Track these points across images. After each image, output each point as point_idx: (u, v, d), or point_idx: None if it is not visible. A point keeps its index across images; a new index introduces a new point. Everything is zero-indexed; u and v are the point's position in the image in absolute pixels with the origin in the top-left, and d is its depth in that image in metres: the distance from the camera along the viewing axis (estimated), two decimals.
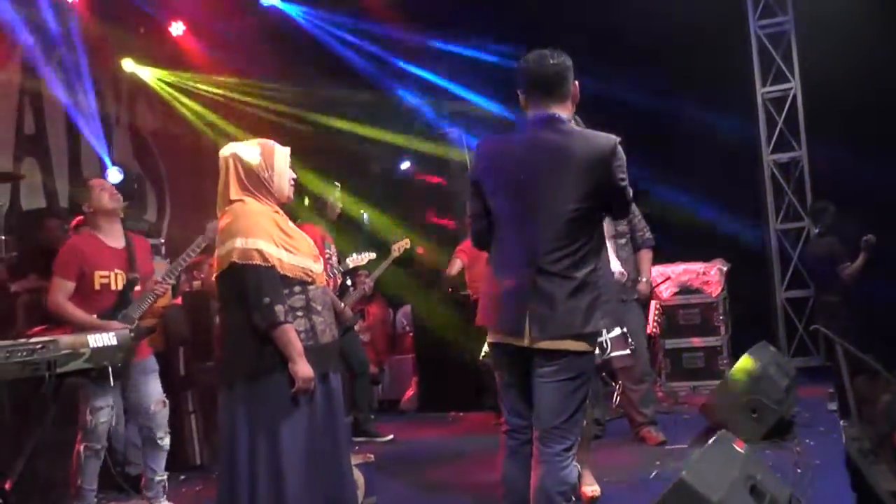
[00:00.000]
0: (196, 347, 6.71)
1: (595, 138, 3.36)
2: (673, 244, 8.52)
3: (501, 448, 3.66)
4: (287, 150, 3.89)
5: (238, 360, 3.69)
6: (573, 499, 3.40)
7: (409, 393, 9.11)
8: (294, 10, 10.32)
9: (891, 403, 4.82)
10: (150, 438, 5.01)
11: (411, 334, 9.54)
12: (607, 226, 5.99)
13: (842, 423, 5.48)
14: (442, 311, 8.63)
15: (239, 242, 3.62)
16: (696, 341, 8.57)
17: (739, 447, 3.86)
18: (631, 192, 3.40)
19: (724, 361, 8.43)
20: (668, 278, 8.44)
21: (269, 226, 3.70)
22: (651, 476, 5.35)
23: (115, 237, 5.04)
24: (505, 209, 3.47)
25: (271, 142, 3.88)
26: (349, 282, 7.09)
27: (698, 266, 8.70)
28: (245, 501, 3.57)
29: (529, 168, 3.37)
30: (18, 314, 6.50)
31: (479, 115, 9.43)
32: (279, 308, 3.58)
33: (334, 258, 6.56)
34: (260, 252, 3.61)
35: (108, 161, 9.10)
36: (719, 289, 8.62)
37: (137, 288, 4.98)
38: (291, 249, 3.72)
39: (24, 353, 3.62)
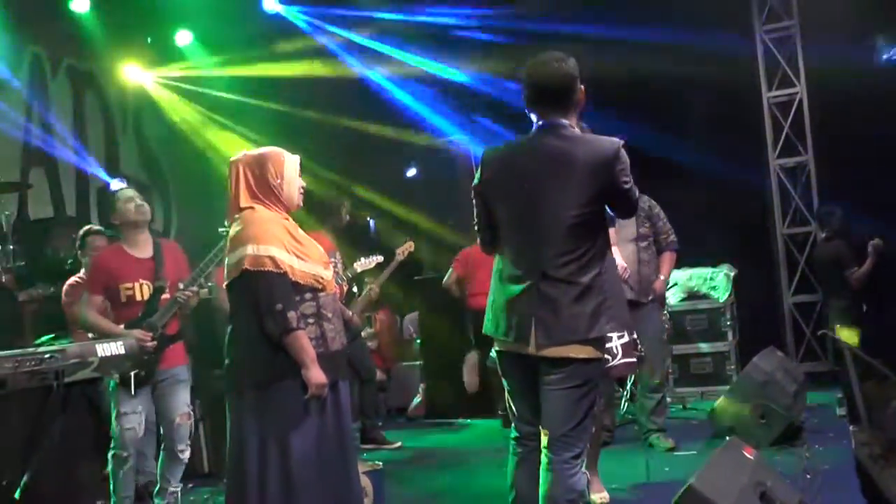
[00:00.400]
0: (204, 355, 6.71)
1: (598, 143, 3.36)
2: (679, 249, 8.50)
3: (510, 455, 3.67)
4: (296, 158, 3.90)
5: (249, 367, 3.69)
6: None
7: (417, 400, 9.11)
8: (297, 17, 10.34)
9: None
10: (171, 450, 5.01)
11: (418, 341, 9.54)
12: (629, 228, 6.03)
13: (851, 428, 5.46)
14: (448, 318, 8.63)
15: (251, 249, 3.63)
16: (704, 347, 8.55)
17: (749, 453, 3.85)
18: (637, 191, 3.41)
19: (732, 367, 8.41)
20: (674, 284, 8.43)
21: (281, 233, 3.71)
22: (659, 483, 5.34)
23: (141, 247, 5.06)
24: (509, 217, 3.48)
25: (280, 149, 3.90)
26: (355, 288, 7.09)
27: (705, 271, 8.68)
28: None
29: (532, 175, 3.38)
30: (26, 323, 6.53)
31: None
32: (291, 314, 3.59)
33: (339, 266, 6.56)
34: (272, 259, 3.62)
35: (104, 175, 9.13)
36: (727, 294, 8.60)
37: (165, 295, 4.99)
38: (302, 256, 3.73)
39: (33, 363, 3.65)
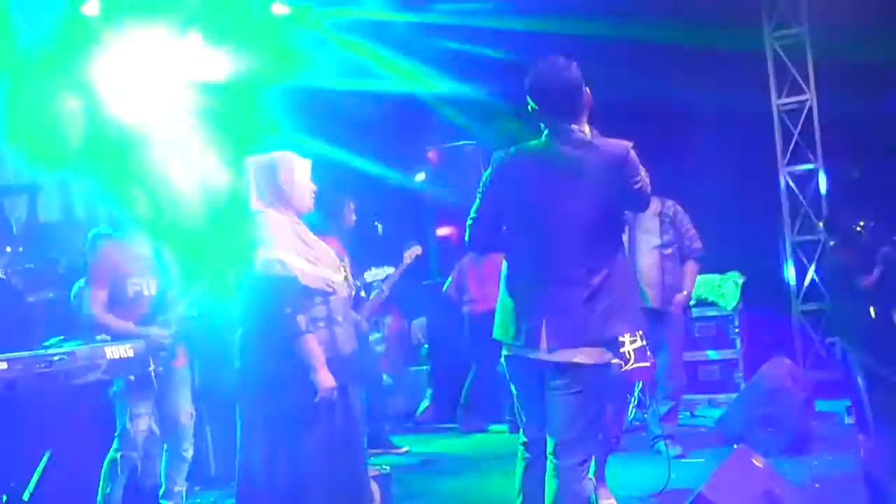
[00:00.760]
0: (211, 359, 6.72)
1: (607, 147, 3.38)
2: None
3: (517, 461, 3.67)
4: (307, 161, 3.91)
5: (258, 370, 3.71)
6: None
7: (424, 405, 9.09)
8: (307, 17, 10.34)
9: None
10: (176, 450, 5.01)
11: (427, 346, 9.52)
12: (653, 236, 6.01)
13: (860, 437, 5.47)
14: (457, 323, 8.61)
15: (261, 253, 3.64)
16: (712, 354, 8.53)
17: (758, 462, 3.84)
18: (648, 188, 3.42)
19: (740, 374, 8.39)
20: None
21: (291, 237, 3.72)
22: (667, 490, 5.33)
23: (142, 242, 5.05)
24: (519, 221, 3.49)
25: (290, 153, 3.91)
26: (363, 293, 7.08)
27: (714, 278, 8.66)
28: None
29: (544, 181, 3.39)
30: (34, 325, 6.54)
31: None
32: (300, 318, 3.60)
33: (348, 270, 6.55)
34: (281, 262, 3.62)
35: None
36: (735, 301, 8.57)
37: (169, 293, 4.98)
38: (312, 260, 3.73)
39: (42, 365, 3.65)
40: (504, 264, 3.58)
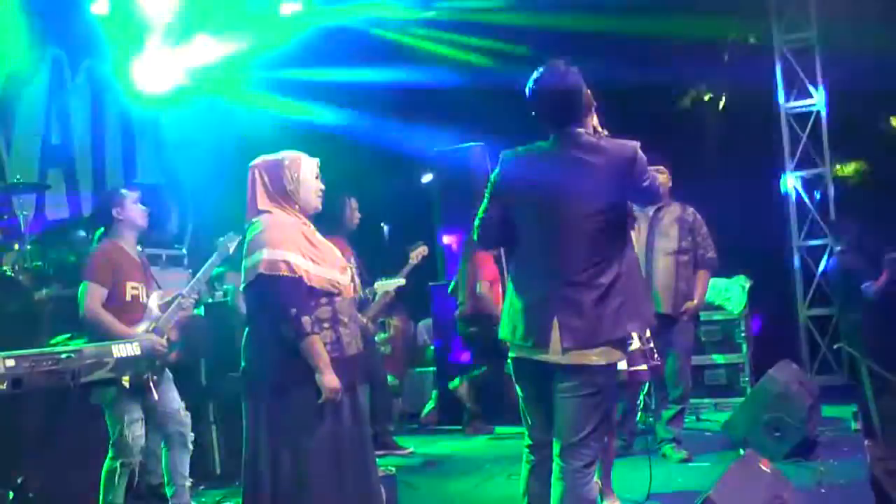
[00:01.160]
0: (218, 358, 6.73)
1: (614, 148, 3.40)
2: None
3: (523, 463, 3.67)
4: (315, 161, 3.91)
5: (264, 370, 3.72)
6: None
7: (429, 406, 9.09)
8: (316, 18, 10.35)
9: None
10: (182, 442, 5.03)
11: (432, 347, 9.52)
12: (670, 241, 6.01)
13: (866, 442, 5.45)
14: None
15: (266, 254, 3.64)
16: (718, 358, 8.51)
17: (765, 467, 3.83)
18: (656, 183, 3.46)
19: (746, 379, 8.36)
20: None
21: (297, 237, 3.72)
22: (673, 493, 5.32)
23: (134, 250, 5.07)
24: (527, 223, 3.50)
25: (298, 153, 3.91)
26: (369, 294, 7.07)
27: (720, 282, 8.64)
28: None
29: (552, 183, 3.41)
30: (41, 322, 6.55)
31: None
32: (306, 319, 3.59)
33: (355, 271, 6.55)
34: (287, 263, 3.63)
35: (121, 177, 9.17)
36: (741, 306, 8.55)
37: (158, 301, 4.99)
38: (318, 261, 3.73)
39: (50, 363, 3.65)
40: (512, 264, 3.61)
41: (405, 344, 10.09)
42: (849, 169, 5.85)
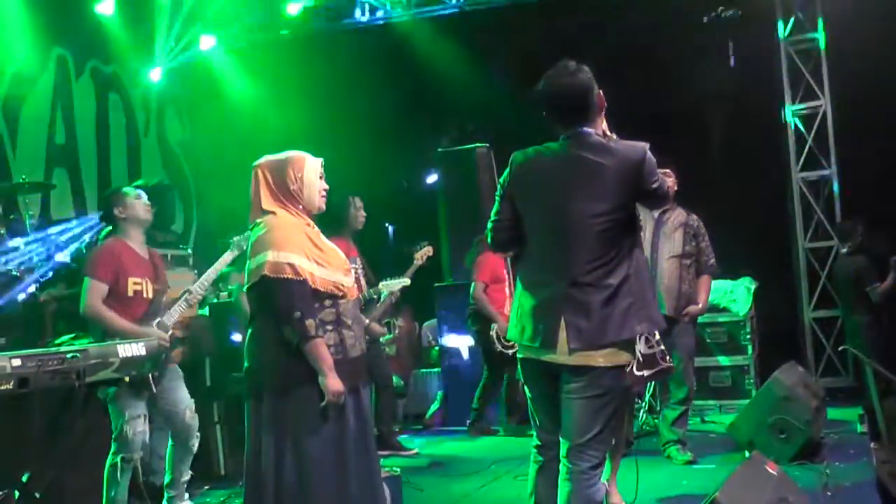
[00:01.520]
0: (222, 358, 6.73)
1: (624, 150, 3.40)
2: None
3: (531, 463, 3.67)
4: (319, 161, 3.89)
5: (267, 372, 3.70)
6: None
7: (434, 407, 9.08)
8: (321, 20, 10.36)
9: None
10: (184, 444, 5.03)
11: (437, 348, 9.51)
12: (675, 244, 6.01)
13: (872, 445, 5.43)
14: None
15: (271, 256, 3.62)
16: (723, 360, 8.50)
17: (772, 469, 3.82)
18: (665, 185, 3.46)
19: (751, 381, 8.35)
20: None
21: (302, 239, 3.71)
22: (678, 495, 5.31)
23: (141, 247, 5.06)
24: (536, 223, 3.50)
25: (302, 153, 3.88)
26: (374, 295, 7.07)
27: (726, 284, 8.63)
28: None
29: (561, 183, 3.41)
30: (47, 322, 6.57)
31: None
32: (310, 322, 3.58)
33: (361, 271, 6.55)
34: (292, 266, 3.61)
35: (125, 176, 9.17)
36: (747, 307, 8.54)
37: (165, 298, 5.00)
38: (323, 263, 3.72)
39: (55, 363, 3.65)
40: (520, 265, 3.60)
41: (410, 345, 10.09)
42: None
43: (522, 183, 3.52)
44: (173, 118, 10.46)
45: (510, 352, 7.13)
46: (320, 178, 3.88)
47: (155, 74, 9.80)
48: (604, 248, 3.35)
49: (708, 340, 8.50)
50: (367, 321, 6.64)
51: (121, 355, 3.97)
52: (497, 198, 3.61)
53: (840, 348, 8.57)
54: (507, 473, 6.21)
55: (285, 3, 9.86)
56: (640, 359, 3.62)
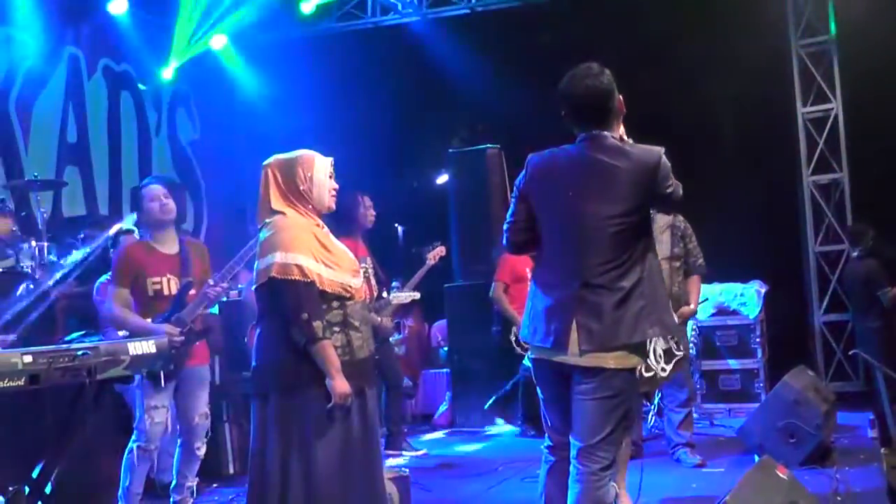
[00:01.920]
0: (231, 357, 6.74)
1: (639, 154, 3.40)
2: (710, 264, 8.43)
3: (542, 464, 3.67)
4: (328, 160, 3.89)
5: (274, 372, 3.71)
6: None
7: (443, 408, 9.09)
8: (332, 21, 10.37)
9: None
10: (189, 447, 5.03)
11: (446, 349, 9.51)
12: (664, 246, 6.01)
13: (882, 450, 5.41)
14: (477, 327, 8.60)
15: (279, 257, 3.63)
16: (733, 363, 8.47)
17: (782, 473, 3.81)
18: (680, 190, 3.46)
19: (761, 384, 8.33)
20: (705, 299, 8.35)
21: (310, 241, 3.70)
22: (687, 498, 5.30)
23: (167, 243, 5.07)
24: (551, 225, 3.51)
25: (311, 152, 3.88)
26: (385, 293, 7.07)
27: (736, 287, 8.61)
28: None
29: (576, 185, 3.42)
30: (58, 319, 6.59)
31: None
32: (317, 324, 3.58)
33: (371, 272, 6.54)
34: (300, 267, 3.61)
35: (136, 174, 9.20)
36: (757, 310, 8.52)
37: (192, 291, 5.00)
38: (331, 265, 3.71)
39: (66, 360, 3.65)
40: (535, 266, 3.62)
41: (419, 345, 10.11)
42: None
43: (538, 184, 3.53)
44: (184, 117, 10.48)
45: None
46: (330, 177, 3.87)
47: (167, 73, 9.82)
48: (617, 250, 3.36)
49: (718, 343, 8.49)
50: (379, 319, 6.65)
51: (131, 353, 3.96)
52: (513, 198, 3.62)
53: (850, 353, 8.55)
54: (515, 475, 6.21)
55: (298, 3, 9.87)
56: (662, 355, 3.60)
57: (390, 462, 6.67)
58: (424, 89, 10.54)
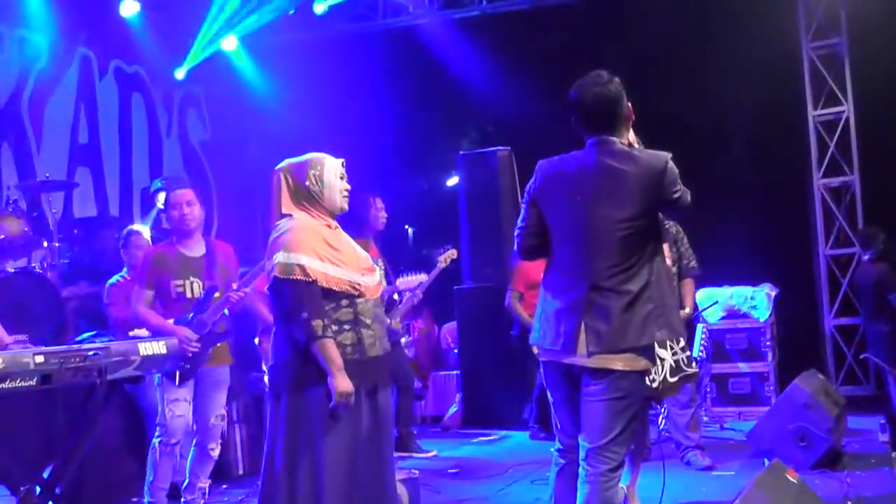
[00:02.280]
0: (240, 359, 6.75)
1: (646, 159, 3.45)
2: (720, 267, 8.43)
3: (552, 466, 3.68)
4: (339, 161, 3.91)
5: (284, 371, 3.75)
6: None
7: (453, 409, 9.09)
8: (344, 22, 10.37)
9: None
10: (203, 448, 5.05)
11: (456, 351, 9.51)
12: None
13: (893, 454, 5.40)
14: (487, 329, 8.60)
15: (281, 257, 3.68)
16: (743, 366, 8.45)
17: (792, 477, 3.80)
18: (688, 196, 3.49)
19: (771, 388, 8.30)
20: (715, 302, 8.33)
21: (315, 240, 3.72)
22: (697, 501, 5.28)
23: (192, 246, 5.10)
24: (560, 229, 3.55)
25: (321, 154, 3.91)
26: (395, 296, 7.07)
27: (746, 290, 8.59)
28: None
29: (584, 189, 3.47)
30: (69, 319, 6.62)
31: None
32: (317, 322, 3.61)
33: (383, 273, 6.54)
34: (301, 267, 3.64)
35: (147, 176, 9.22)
36: (767, 314, 8.49)
37: (217, 294, 5.02)
38: (338, 263, 3.73)
39: (78, 360, 3.68)
40: (545, 269, 3.64)
41: (429, 347, 10.10)
42: None
43: (548, 189, 3.58)
44: (195, 118, 10.51)
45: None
46: (341, 178, 3.90)
47: (178, 74, 9.85)
48: (625, 254, 3.41)
49: (728, 347, 8.46)
50: (389, 321, 6.65)
51: (141, 353, 4.00)
52: (523, 204, 3.68)
53: (861, 356, 8.52)
54: (525, 477, 6.20)
55: (311, 4, 9.89)
56: (673, 365, 3.61)
57: (399, 463, 6.67)
58: (435, 91, 10.55)
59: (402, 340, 7.88)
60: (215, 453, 5.11)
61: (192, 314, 4.92)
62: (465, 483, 6.34)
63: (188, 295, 4.99)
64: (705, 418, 7.79)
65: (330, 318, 3.65)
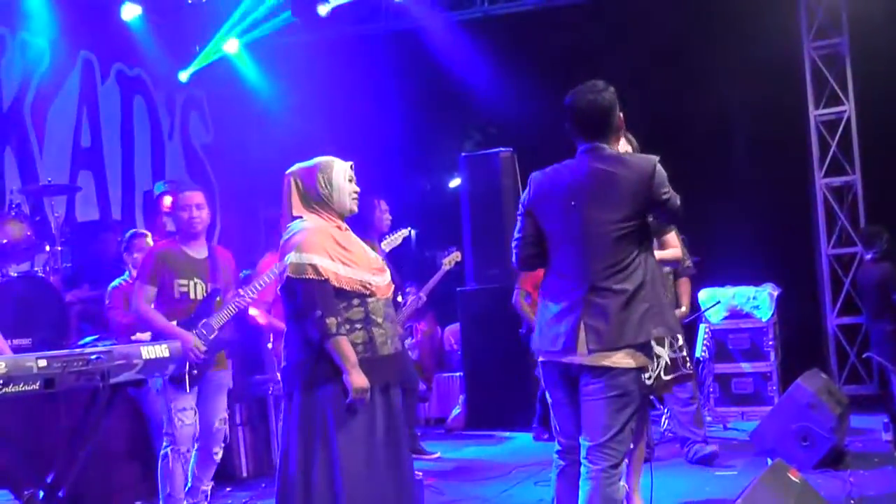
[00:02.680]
0: (243, 361, 6.76)
1: (635, 163, 3.58)
2: (723, 267, 8.43)
3: (553, 467, 3.69)
4: (348, 164, 3.96)
5: (296, 371, 3.80)
6: None
7: (456, 411, 9.09)
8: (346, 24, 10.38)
9: None
10: (207, 452, 5.05)
11: (459, 353, 9.50)
12: None
13: None
14: (490, 330, 8.60)
15: (294, 257, 3.73)
16: (746, 366, 8.44)
17: (794, 476, 3.80)
18: (678, 200, 3.58)
19: (774, 387, 8.29)
20: (717, 302, 8.33)
21: (326, 241, 3.78)
22: (700, 500, 5.28)
23: (196, 248, 5.10)
24: (557, 235, 3.64)
25: (331, 158, 3.98)
26: (399, 297, 7.08)
27: (749, 290, 8.58)
28: None
29: (578, 194, 3.57)
30: (72, 323, 6.63)
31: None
32: (331, 321, 3.66)
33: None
34: (313, 266, 3.70)
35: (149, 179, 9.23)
36: (770, 313, 8.49)
37: (219, 298, 5.03)
38: (349, 263, 3.79)
39: (80, 363, 3.68)
40: (544, 274, 3.71)
41: (432, 349, 10.10)
42: None
43: (542, 198, 3.67)
44: (197, 121, 10.52)
45: None
46: (350, 181, 3.95)
47: (182, 77, 9.87)
48: (620, 254, 3.50)
49: (730, 347, 8.45)
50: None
51: (144, 357, 4.00)
52: (518, 216, 3.77)
53: (864, 355, 8.51)
54: (528, 478, 6.21)
55: (314, 7, 9.89)
56: (668, 363, 3.63)
57: None
58: (437, 92, 10.55)
59: (406, 342, 7.89)
60: (218, 457, 5.12)
61: (197, 318, 4.92)
62: (469, 484, 6.34)
63: (192, 296, 4.97)
64: (708, 418, 7.77)
65: (342, 317, 3.71)
